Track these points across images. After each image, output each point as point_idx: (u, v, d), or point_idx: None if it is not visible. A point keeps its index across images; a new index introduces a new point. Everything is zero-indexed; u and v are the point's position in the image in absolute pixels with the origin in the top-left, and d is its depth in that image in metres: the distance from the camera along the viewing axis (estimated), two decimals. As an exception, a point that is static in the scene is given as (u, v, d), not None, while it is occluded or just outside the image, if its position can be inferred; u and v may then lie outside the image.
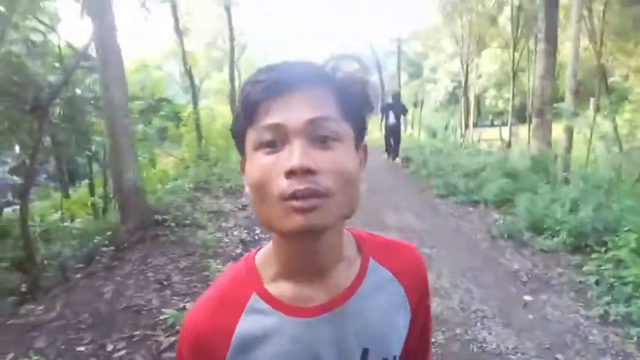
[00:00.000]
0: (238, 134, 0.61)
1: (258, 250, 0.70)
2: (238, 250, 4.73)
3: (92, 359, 2.83)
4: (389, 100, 11.18)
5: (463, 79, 20.70)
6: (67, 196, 7.61)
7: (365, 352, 0.65)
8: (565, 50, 15.14)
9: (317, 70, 0.59)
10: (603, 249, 4.09)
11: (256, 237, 5.21)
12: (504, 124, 22.26)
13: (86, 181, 8.79)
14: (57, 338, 3.03)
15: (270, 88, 0.56)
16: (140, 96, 10.73)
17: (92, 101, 7.33)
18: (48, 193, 8.76)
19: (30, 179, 5.12)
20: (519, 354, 2.90)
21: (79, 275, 4.23)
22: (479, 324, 3.25)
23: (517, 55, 16.69)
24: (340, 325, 0.63)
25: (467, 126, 20.35)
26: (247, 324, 0.62)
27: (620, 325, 3.21)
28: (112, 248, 4.58)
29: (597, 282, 3.78)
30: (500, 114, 28.56)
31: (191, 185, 7.05)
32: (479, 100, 30.00)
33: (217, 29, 16.41)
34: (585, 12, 11.83)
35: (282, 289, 0.64)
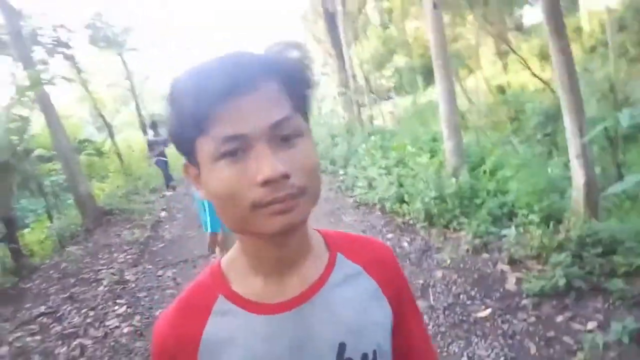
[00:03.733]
0: (183, 143, 0.59)
1: (222, 257, 0.71)
2: (162, 213, 8.32)
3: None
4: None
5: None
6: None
7: (342, 347, 0.65)
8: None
9: (263, 63, 0.56)
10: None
11: (172, 207, 8.83)
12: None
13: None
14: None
15: (218, 93, 0.52)
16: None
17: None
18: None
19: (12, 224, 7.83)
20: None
21: (69, 248, 7.59)
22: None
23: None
24: (311, 319, 0.64)
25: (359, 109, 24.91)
26: (214, 327, 0.64)
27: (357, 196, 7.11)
28: (85, 229, 7.98)
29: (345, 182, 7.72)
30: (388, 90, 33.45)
31: (123, 192, 10.47)
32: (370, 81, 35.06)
33: (116, 70, 19.42)
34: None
35: (251, 288, 0.65)
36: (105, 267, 5.88)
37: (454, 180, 4.88)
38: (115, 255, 6.35)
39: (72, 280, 5.62)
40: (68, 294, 5.17)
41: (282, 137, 0.55)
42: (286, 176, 0.53)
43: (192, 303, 0.67)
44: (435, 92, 6.02)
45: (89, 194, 8.70)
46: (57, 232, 7.80)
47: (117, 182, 13.01)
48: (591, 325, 2.58)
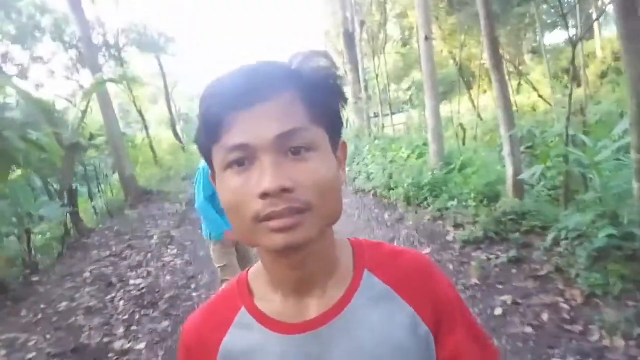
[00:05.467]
0: (203, 149, 0.60)
1: (252, 266, 0.72)
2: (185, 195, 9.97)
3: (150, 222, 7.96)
4: None
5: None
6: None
7: None
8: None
9: (281, 72, 0.57)
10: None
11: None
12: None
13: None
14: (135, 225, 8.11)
15: (230, 102, 0.54)
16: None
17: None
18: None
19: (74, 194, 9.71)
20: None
21: (126, 212, 9.23)
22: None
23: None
24: (329, 343, 0.62)
25: (369, 117, 26.57)
26: (233, 338, 0.65)
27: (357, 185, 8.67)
28: (129, 204, 9.64)
29: (349, 175, 9.23)
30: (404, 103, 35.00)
31: (157, 178, 12.16)
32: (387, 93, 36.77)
33: (150, 72, 21.34)
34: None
35: (271, 304, 0.65)
36: (153, 228, 7.50)
37: (430, 173, 6.39)
38: (159, 222, 7.98)
39: (127, 237, 7.24)
40: (127, 244, 6.78)
41: (292, 149, 0.54)
42: (287, 190, 0.52)
43: (217, 310, 0.69)
44: (426, 108, 7.50)
45: (132, 176, 10.40)
46: (106, 205, 9.47)
47: (148, 170, 14.77)
48: (492, 256, 4.05)
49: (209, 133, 0.56)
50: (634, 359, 2.50)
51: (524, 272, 3.70)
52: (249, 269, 0.72)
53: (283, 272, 0.62)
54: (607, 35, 22.82)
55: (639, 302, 2.92)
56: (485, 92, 22.40)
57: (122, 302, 4.58)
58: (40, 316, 4.55)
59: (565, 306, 3.11)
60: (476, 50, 22.18)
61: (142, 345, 3.59)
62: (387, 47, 23.35)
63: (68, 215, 8.22)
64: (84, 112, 9.40)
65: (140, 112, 16.36)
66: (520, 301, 3.28)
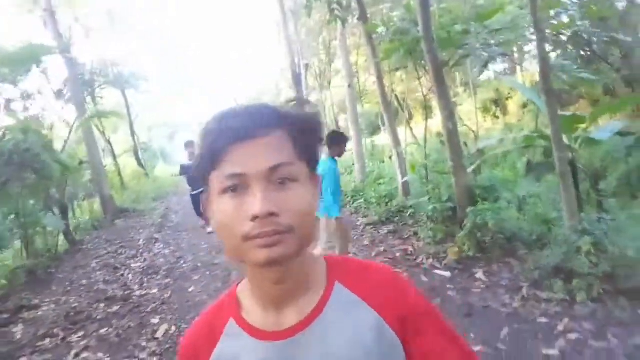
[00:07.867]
0: (201, 175, 0.71)
1: (241, 281, 0.83)
2: (159, 212, 11.92)
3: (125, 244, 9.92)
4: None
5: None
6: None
7: None
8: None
9: (275, 115, 0.69)
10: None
11: (171, 208, 12.44)
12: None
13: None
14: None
15: (232, 137, 0.65)
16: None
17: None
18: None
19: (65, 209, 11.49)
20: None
21: (116, 221, 11.06)
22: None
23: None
24: (304, 348, 0.72)
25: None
26: (223, 346, 0.76)
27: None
28: (110, 220, 11.50)
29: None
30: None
31: (129, 199, 14.02)
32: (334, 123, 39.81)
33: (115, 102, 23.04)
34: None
35: (255, 315, 0.76)
36: (137, 234, 9.46)
37: (353, 184, 8.81)
38: (141, 230, 9.94)
39: (117, 242, 9.16)
40: (119, 245, 8.72)
41: (279, 179, 0.65)
42: (273, 214, 0.63)
43: (210, 322, 0.81)
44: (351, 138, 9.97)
45: (110, 196, 12.27)
46: (90, 221, 11.33)
47: (118, 194, 16.55)
48: (380, 230, 6.41)
49: (211, 162, 0.67)
50: (433, 267, 4.86)
51: (396, 237, 6.10)
52: (237, 284, 0.84)
53: (265, 286, 0.73)
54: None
55: (447, 244, 5.32)
56: (425, 119, 25.30)
57: (130, 275, 6.58)
58: (69, 288, 6.45)
59: (411, 249, 5.49)
60: (414, 85, 25.36)
61: (154, 290, 5.66)
62: (335, 81, 26.11)
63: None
64: (66, 142, 11.34)
65: (109, 141, 18.09)
66: (387, 250, 5.64)
